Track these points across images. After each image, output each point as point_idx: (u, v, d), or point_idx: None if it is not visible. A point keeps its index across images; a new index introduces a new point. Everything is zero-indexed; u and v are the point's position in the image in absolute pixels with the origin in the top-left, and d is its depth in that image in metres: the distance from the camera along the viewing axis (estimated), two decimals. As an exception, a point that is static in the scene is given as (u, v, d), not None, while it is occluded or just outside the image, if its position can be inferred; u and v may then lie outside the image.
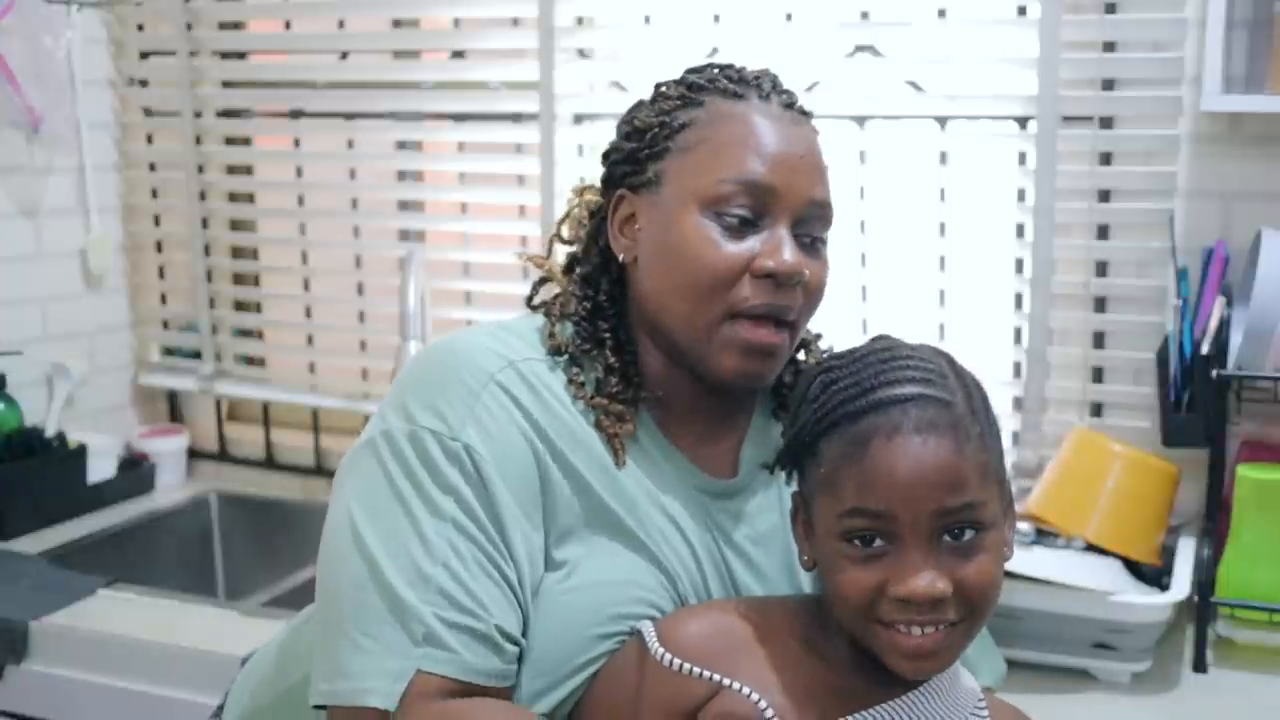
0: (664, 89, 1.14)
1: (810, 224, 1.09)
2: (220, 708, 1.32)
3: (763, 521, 1.15)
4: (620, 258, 1.13)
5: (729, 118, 1.09)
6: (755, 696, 0.95)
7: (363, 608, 0.98)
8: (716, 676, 0.96)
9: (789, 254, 1.06)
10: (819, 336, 1.23)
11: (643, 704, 0.98)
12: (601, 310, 1.14)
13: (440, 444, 1.02)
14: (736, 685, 0.95)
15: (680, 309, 1.08)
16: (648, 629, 0.99)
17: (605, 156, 1.16)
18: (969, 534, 0.95)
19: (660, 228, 1.09)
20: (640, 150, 1.11)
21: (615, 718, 1.00)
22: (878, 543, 0.95)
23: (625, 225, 1.13)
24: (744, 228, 1.07)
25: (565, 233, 1.21)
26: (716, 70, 1.14)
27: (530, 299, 1.20)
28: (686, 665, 0.96)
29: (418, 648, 0.96)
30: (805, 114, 1.14)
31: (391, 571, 0.98)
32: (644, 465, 1.10)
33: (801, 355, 1.20)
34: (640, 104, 1.15)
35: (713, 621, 1.01)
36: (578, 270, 1.17)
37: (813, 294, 1.11)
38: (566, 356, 1.11)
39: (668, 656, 0.96)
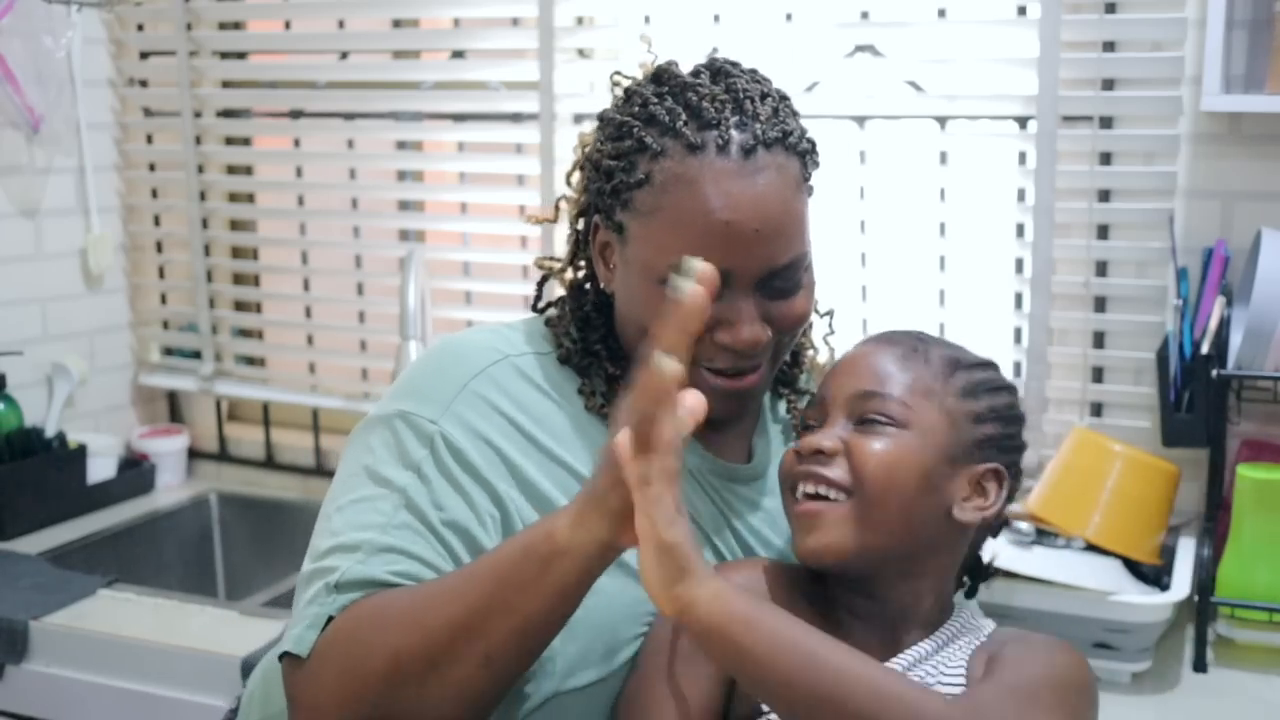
0: (628, 116, 1.09)
1: (777, 279, 1.08)
2: (233, 712, 1.32)
3: (777, 505, 1.16)
4: (602, 285, 1.15)
5: (682, 184, 1.04)
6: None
7: (311, 577, 1.03)
8: None
9: (746, 329, 1.06)
10: (830, 313, 1.25)
11: (679, 671, 1.02)
12: (590, 323, 1.16)
13: (412, 425, 1.07)
14: None
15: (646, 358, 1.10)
16: None
17: (580, 167, 1.16)
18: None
19: (626, 283, 1.11)
20: (605, 190, 1.09)
21: (658, 684, 1.02)
22: None
23: (604, 251, 1.14)
24: None
25: (571, 188, 1.19)
26: (680, 98, 1.07)
27: (535, 302, 1.22)
28: None
29: (329, 595, 1.00)
30: (772, 144, 1.05)
31: (333, 539, 1.03)
32: None
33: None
34: (607, 122, 1.11)
35: (744, 578, 1.04)
36: (568, 275, 1.19)
37: (792, 329, 1.11)
38: (574, 368, 1.14)
39: None
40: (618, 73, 1.17)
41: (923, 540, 1.04)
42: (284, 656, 1.00)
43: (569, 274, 1.20)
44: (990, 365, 1.12)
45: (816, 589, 1.06)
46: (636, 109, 1.09)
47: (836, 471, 1.02)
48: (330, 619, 0.99)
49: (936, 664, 1.02)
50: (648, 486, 0.86)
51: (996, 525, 1.12)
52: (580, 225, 1.18)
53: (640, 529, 0.87)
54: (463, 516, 1.04)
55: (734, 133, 1.05)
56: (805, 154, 1.10)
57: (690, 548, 0.88)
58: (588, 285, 1.18)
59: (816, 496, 1.03)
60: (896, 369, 1.05)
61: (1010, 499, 1.10)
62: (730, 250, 1.03)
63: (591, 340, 1.14)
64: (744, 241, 1.04)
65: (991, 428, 1.06)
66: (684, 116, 1.06)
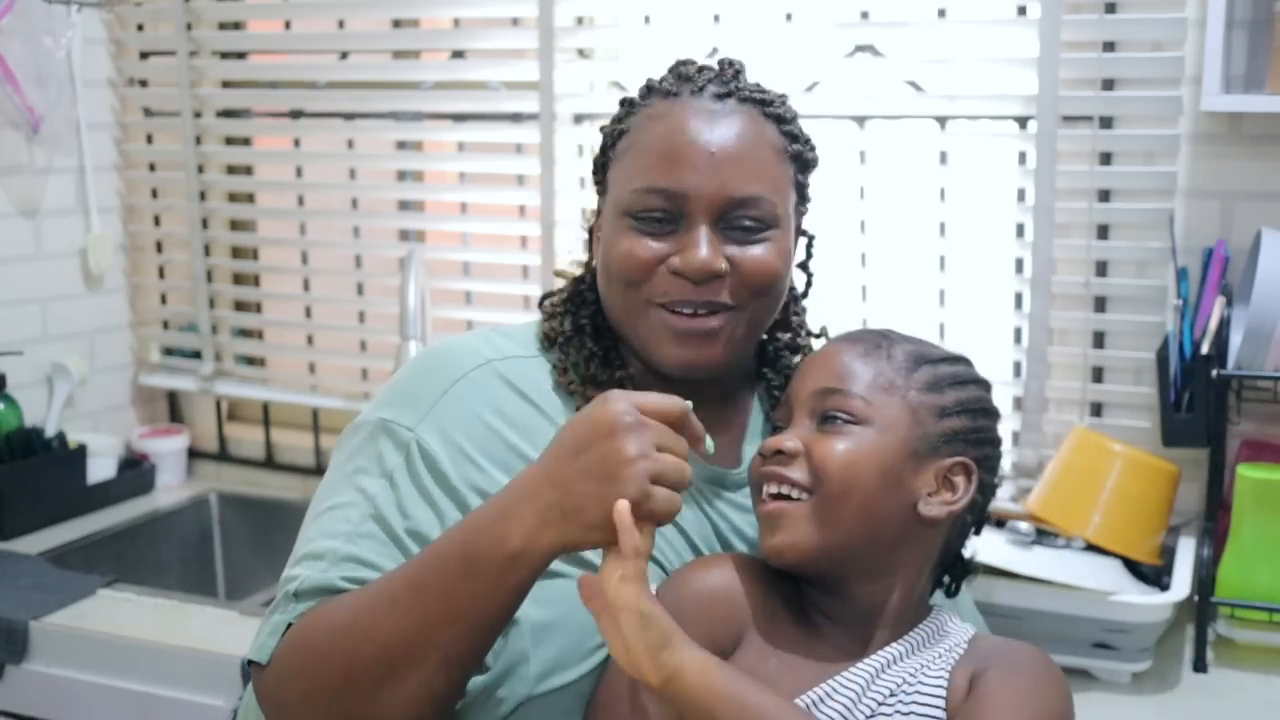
0: (632, 94, 1.18)
1: (739, 217, 1.10)
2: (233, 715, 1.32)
3: None
4: (593, 262, 1.19)
5: (654, 120, 1.11)
6: None
7: (281, 584, 1.05)
8: None
9: (700, 252, 1.08)
10: (822, 332, 1.24)
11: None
12: (582, 300, 1.18)
13: (390, 433, 1.08)
14: None
15: (610, 301, 1.14)
16: None
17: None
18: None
19: (602, 232, 1.15)
20: (598, 160, 1.17)
21: (627, 694, 1.01)
22: None
23: (598, 230, 1.18)
24: (665, 226, 1.09)
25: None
26: (674, 70, 1.16)
27: (542, 300, 1.23)
28: None
29: (289, 603, 1.03)
30: (746, 101, 1.12)
31: (305, 546, 1.06)
32: None
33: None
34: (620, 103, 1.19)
35: (720, 574, 1.05)
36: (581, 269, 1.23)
37: (756, 281, 1.11)
38: (555, 347, 1.15)
39: None
40: None
41: (888, 537, 1.03)
42: (252, 664, 1.03)
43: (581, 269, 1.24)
44: (959, 360, 1.11)
45: (790, 588, 1.06)
46: (643, 85, 1.17)
47: (797, 472, 1.03)
48: (291, 626, 1.01)
49: (914, 671, 1.01)
50: (639, 558, 0.89)
51: (978, 521, 1.12)
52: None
53: (624, 597, 0.89)
54: (427, 525, 1.05)
55: (710, 85, 1.12)
56: (789, 134, 1.13)
57: (665, 613, 0.91)
58: (586, 278, 1.20)
59: (780, 496, 1.03)
60: (858, 366, 1.06)
61: (986, 493, 1.09)
62: (687, 172, 1.08)
63: (580, 316, 1.17)
64: (700, 162, 1.08)
65: (958, 421, 1.06)
66: (670, 78, 1.14)
